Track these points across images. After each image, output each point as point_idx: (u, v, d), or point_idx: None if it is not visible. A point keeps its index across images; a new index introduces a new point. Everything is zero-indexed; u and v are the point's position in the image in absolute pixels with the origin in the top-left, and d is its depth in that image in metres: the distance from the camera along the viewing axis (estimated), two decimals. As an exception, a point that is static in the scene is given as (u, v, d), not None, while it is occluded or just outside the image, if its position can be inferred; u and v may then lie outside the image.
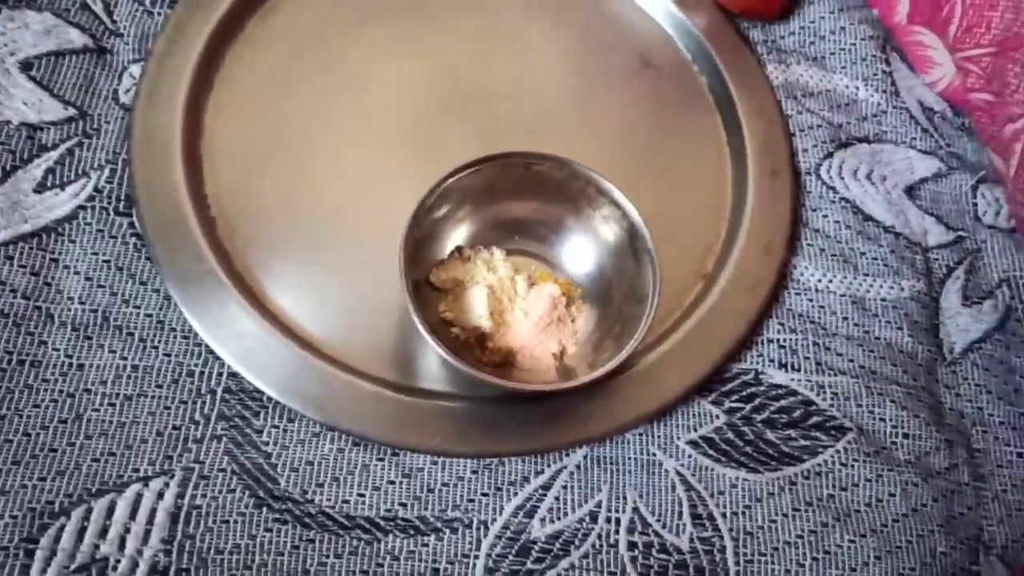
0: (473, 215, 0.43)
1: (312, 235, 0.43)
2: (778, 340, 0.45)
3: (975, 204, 0.51)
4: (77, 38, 0.45)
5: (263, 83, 0.46)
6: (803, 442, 0.43)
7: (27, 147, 0.42)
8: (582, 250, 0.43)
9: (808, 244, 0.48)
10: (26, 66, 0.44)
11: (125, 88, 0.45)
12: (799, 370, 0.44)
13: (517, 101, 0.49)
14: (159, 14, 0.47)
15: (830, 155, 0.50)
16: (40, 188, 0.42)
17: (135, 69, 0.45)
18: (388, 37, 0.49)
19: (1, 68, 0.43)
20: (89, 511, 0.36)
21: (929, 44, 0.53)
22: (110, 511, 0.37)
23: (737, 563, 0.40)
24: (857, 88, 0.53)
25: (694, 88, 0.51)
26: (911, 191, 0.50)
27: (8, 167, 0.42)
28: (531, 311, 0.42)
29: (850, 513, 0.41)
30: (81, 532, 0.36)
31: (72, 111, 0.44)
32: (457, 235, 0.43)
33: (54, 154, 0.42)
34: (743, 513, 0.41)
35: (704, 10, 0.52)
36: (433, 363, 0.42)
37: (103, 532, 0.36)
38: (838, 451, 0.43)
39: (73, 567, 0.35)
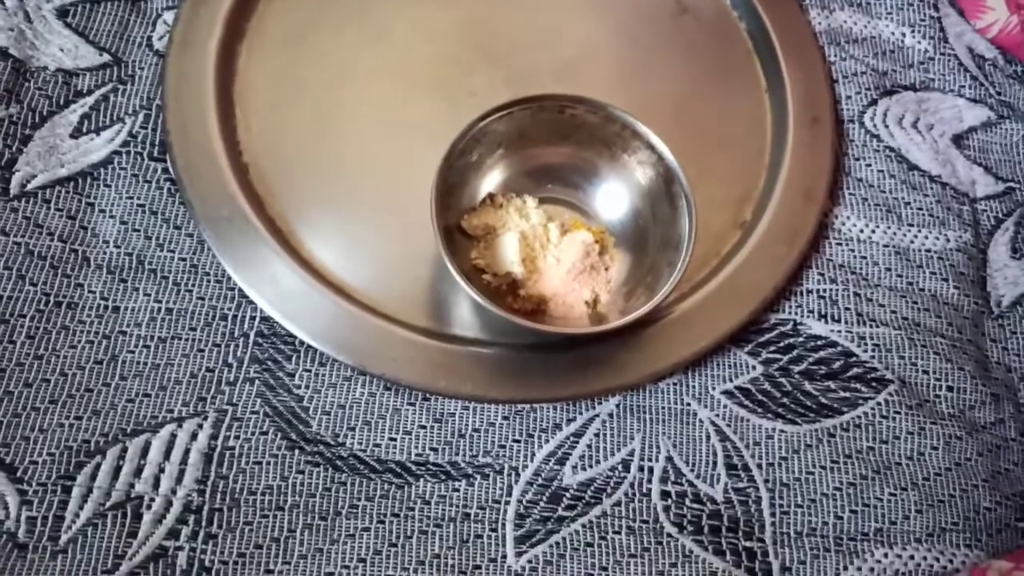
0: (505, 160, 0.43)
1: (343, 181, 0.43)
2: (817, 291, 0.44)
3: (1027, 155, 0.49)
4: (110, -15, 0.45)
5: (295, 30, 0.46)
6: (843, 394, 0.42)
7: (63, 93, 0.42)
8: (616, 196, 0.43)
9: (850, 193, 0.46)
10: (62, 13, 0.44)
11: (159, 35, 0.45)
12: (839, 321, 0.43)
13: (547, 48, 0.48)
14: (191, -39, 0.47)
15: (874, 102, 0.48)
16: (76, 133, 0.42)
17: (168, 16, 0.45)
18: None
19: (38, 15, 0.43)
20: (124, 451, 0.37)
21: (981, -14, 0.50)
22: (145, 451, 0.37)
23: (773, 514, 0.39)
24: (903, 34, 0.51)
25: (733, 33, 0.50)
26: (959, 140, 0.49)
27: (45, 112, 0.42)
28: (564, 258, 0.41)
29: (891, 466, 0.40)
30: (116, 471, 0.37)
31: (107, 57, 0.44)
32: (489, 181, 0.43)
33: (89, 100, 0.43)
34: (779, 464, 0.40)
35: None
36: (465, 309, 0.41)
37: (138, 471, 0.37)
38: (879, 403, 0.41)
39: (108, 504, 0.36)
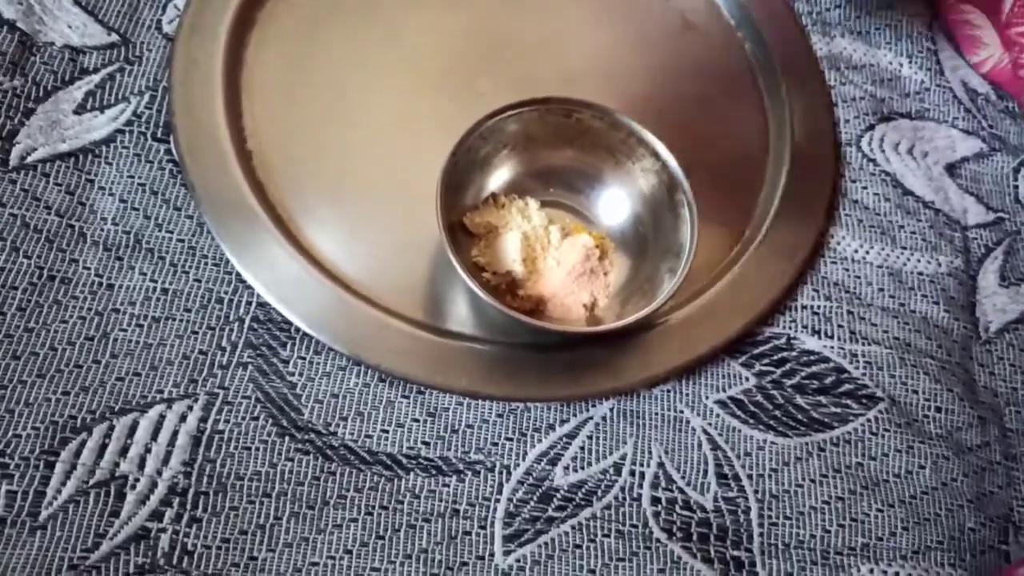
0: (510, 161, 0.43)
1: (347, 173, 0.43)
2: (812, 307, 0.44)
3: (1016, 187, 0.50)
4: (124, -34, 0.45)
5: (305, 21, 0.46)
6: (833, 409, 0.42)
7: (69, 69, 0.42)
8: (618, 203, 0.43)
9: (846, 214, 0.47)
10: (72, -10, 0.44)
11: (168, 19, 0.45)
12: (832, 337, 0.43)
13: (553, 55, 0.49)
14: (206, -52, 0.47)
15: (871, 128, 0.49)
16: (80, 110, 0.42)
17: (179, 1, 0.45)
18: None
19: (48, -10, 0.43)
20: (111, 429, 0.36)
21: (977, 24, 0.52)
22: (132, 430, 0.36)
23: (761, 525, 0.39)
24: (901, 64, 0.52)
25: (736, 53, 0.51)
26: (952, 169, 0.50)
27: (49, 87, 0.41)
28: (564, 260, 0.41)
29: (879, 482, 0.41)
30: (102, 449, 0.36)
31: (115, 37, 0.44)
32: (492, 181, 0.43)
33: (95, 77, 0.42)
34: (770, 476, 0.40)
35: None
36: (463, 305, 0.41)
37: (124, 451, 0.36)
38: (869, 420, 0.42)
39: (92, 482, 0.35)
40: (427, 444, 0.38)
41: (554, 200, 0.44)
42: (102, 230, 0.40)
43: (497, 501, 0.38)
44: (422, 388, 0.39)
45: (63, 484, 0.35)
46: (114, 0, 0.45)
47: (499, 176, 0.43)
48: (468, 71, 0.47)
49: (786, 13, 0.52)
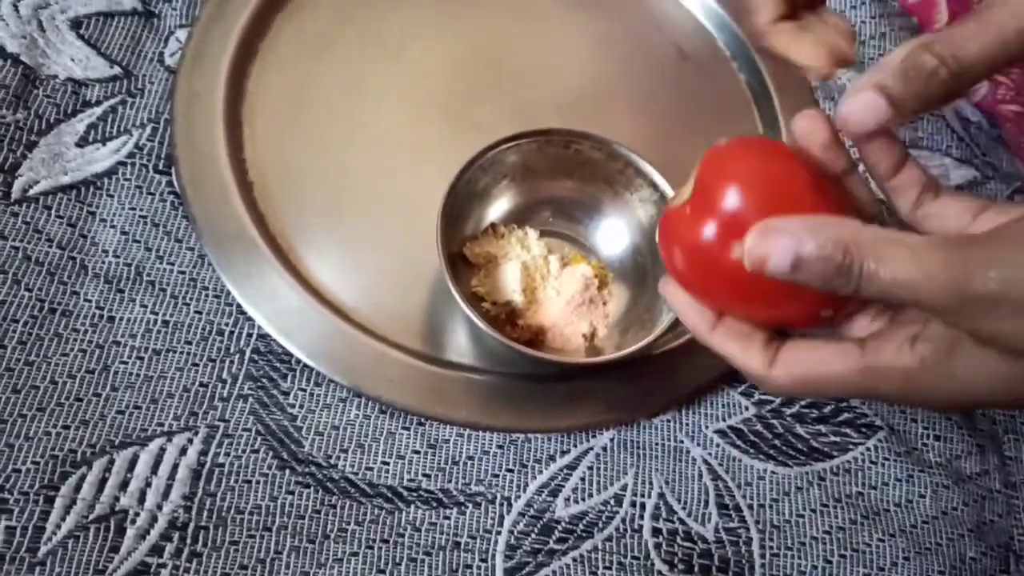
0: (509, 192, 0.43)
1: (347, 203, 0.43)
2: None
3: (1010, 214, 0.50)
4: (127, 0, 0.46)
5: (306, 52, 0.47)
6: (833, 438, 0.42)
7: (71, 102, 0.42)
8: (617, 233, 0.43)
9: (843, 242, 0.47)
10: (75, 24, 0.44)
11: (171, 51, 0.45)
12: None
13: (551, 84, 0.49)
14: (208, -18, 0.47)
15: (867, 156, 0.50)
16: (82, 142, 0.42)
17: (181, 34, 0.46)
18: (429, 13, 0.50)
19: (51, 24, 0.44)
20: (111, 463, 0.36)
21: (969, 54, 0.53)
22: (132, 464, 0.36)
23: (763, 556, 0.39)
24: (895, 94, 0.53)
25: (732, 83, 0.51)
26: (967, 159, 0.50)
27: (52, 120, 0.42)
28: (563, 290, 0.41)
29: (879, 512, 0.41)
30: (102, 483, 0.36)
31: (117, 70, 0.44)
32: (492, 211, 0.43)
33: (97, 110, 0.43)
34: (770, 506, 0.40)
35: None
36: (463, 336, 0.41)
37: (124, 485, 0.36)
38: (868, 449, 0.42)
39: (92, 517, 0.35)
40: (428, 476, 0.38)
41: (553, 230, 0.44)
42: (103, 262, 0.40)
43: (498, 533, 0.38)
44: (422, 419, 0.39)
45: (62, 519, 0.35)
46: (117, 33, 0.45)
47: (499, 206, 0.43)
48: (467, 101, 0.47)
49: (781, 44, 0.52)
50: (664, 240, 0.31)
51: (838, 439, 0.42)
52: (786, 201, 0.27)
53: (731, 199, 0.28)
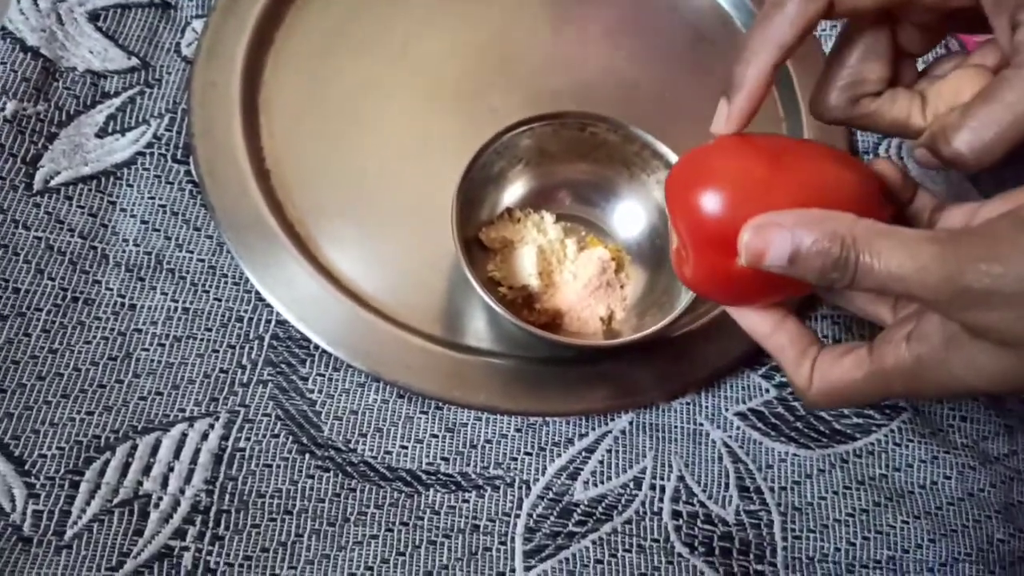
0: (525, 175, 0.43)
1: (363, 190, 0.43)
2: (832, 316, 0.44)
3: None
4: (143, -8, 0.46)
5: (321, 41, 0.47)
6: (856, 420, 0.41)
7: (91, 93, 0.43)
8: (634, 215, 0.43)
9: (864, 222, 0.46)
10: (93, 16, 0.45)
11: (187, 42, 0.46)
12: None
13: (566, 70, 0.49)
14: (223, -28, 0.48)
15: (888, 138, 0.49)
16: (101, 133, 0.42)
17: (198, 24, 0.46)
18: (443, 1, 0.49)
19: (69, 17, 0.44)
20: (134, 448, 0.37)
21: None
22: (155, 449, 0.37)
23: (785, 538, 0.39)
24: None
25: (751, 63, 0.50)
26: (974, 177, 0.49)
27: (72, 111, 0.42)
28: (580, 274, 0.41)
29: (903, 494, 0.40)
30: (125, 468, 0.36)
31: (135, 61, 0.44)
32: (508, 196, 0.43)
33: (116, 101, 0.43)
34: (792, 488, 0.40)
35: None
36: (480, 320, 0.41)
37: (147, 469, 0.36)
38: (892, 430, 0.41)
39: (116, 501, 0.35)
40: (446, 460, 0.38)
41: (570, 213, 0.44)
42: (124, 251, 0.40)
43: (517, 516, 0.38)
44: (440, 404, 0.39)
45: (87, 503, 0.35)
46: (134, 25, 0.45)
47: (514, 191, 0.43)
48: (482, 87, 0.47)
49: (799, 22, 0.51)
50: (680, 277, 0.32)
51: (861, 421, 0.41)
52: (759, 201, 0.27)
53: (703, 230, 0.28)
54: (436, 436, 0.39)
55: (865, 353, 0.28)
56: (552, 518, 0.38)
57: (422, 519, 0.37)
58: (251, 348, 0.39)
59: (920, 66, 0.33)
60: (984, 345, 0.23)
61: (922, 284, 0.23)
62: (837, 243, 0.24)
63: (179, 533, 0.35)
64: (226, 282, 0.40)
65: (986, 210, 0.29)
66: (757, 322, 0.31)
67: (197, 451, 0.37)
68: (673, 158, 0.40)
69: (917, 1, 0.28)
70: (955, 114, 0.28)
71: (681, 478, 0.39)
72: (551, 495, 0.38)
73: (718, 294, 0.32)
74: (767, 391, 0.42)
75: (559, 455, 0.39)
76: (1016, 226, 0.22)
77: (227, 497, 0.36)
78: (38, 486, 0.35)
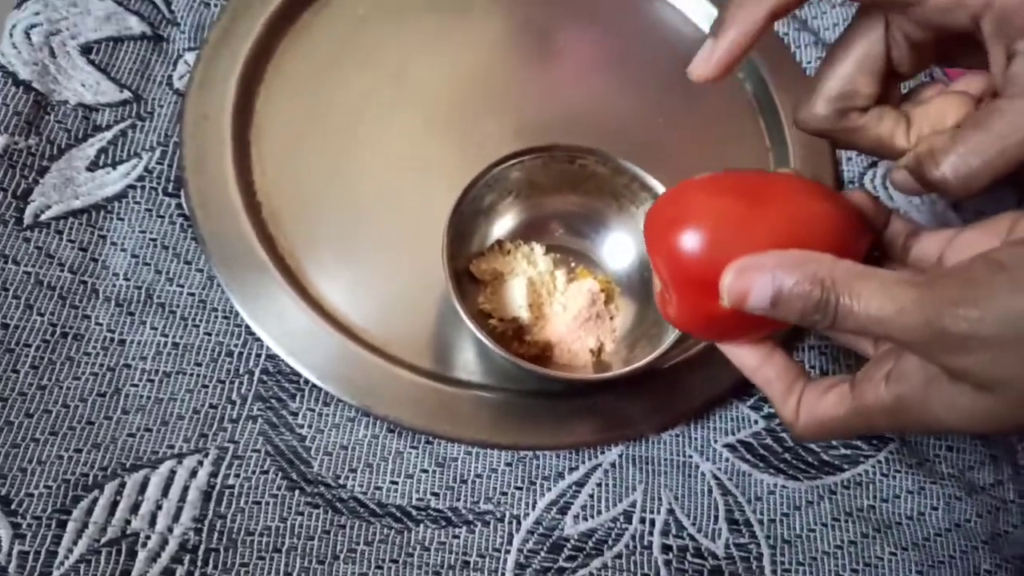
0: (515, 208, 0.43)
1: (354, 222, 0.44)
2: (819, 347, 0.44)
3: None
4: (136, 25, 0.46)
5: (313, 73, 0.47)
6: (843, 451, 0.42)
7: (82, 127, 0.43)
8: (623, 247, 0.43)
9: (851, 253, 0.47)
10: (86, 50, 0.45)
11: (179, 74, 0.46)
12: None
13: (556, 100, 0.49)
14: (215, 5, 0.48)
15: (874, 164, 0.50)
16: (93, 166, 0.42)
17: (190, 57, 0.46)
18: (432, 33, 0.50)
19: (62, 50, 0.44)
20: (122, 486, 0.36)
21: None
22: (143, 487, 0.37)
23: (774, 571, 0.39)
24: (902, 102, 0.53)
25: (738, 94, 0.51)
26: (956, 205, 0.50)
27: (63, 145, 0.42)
28: (570, 305, 0.41)
29: (891, 525, 0.40)
30: (113, 506, 0.36)
31: (127, 94, 0.45)
32: (498, 228, 0.43)
33: (108, 134, 0.43)
34: (781, 521, 0.40)
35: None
36: (471, 353, 0.42)
37: (135, 507, 0.36)
38: (879, 461, 0.42)
39: (104, 540, 0.35)
40: (436, 495, 0.38)
41: (560, 244, 0.44)
42: (114, 285, 0.40)
43: (507, 552, 0.38)
44: (431, 438, 0.39)
45: (75, 543, 0.35)
46: (126, 58, 0.46)
47: (504, 223, 0.43)
48: (472, 119, 0.48)
49: (786, 54, 0.52)
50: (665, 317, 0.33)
51: (848, 452, 0.42)
52: (739, 242, 0.27)
53: (684, 273, 0.29)
54: (426, 471, 0.39)
55: (847, 389, 0.28)
56: (542, 553, 0.38)
57: (412, 555, 0.37)
58: (241, 383, 0.39)
59: (903, 90, 0.34)
60: (963, 387, 0.23)
61: (901, 327, 0.23)
62: (817, 286, 0.24)
63: (167, 572, 0.35)
64: (216, 316, 0.40)
65: (961, 239, 0.29)
66: (745, 357, 0.31)
67: (186, 488, 0.37)
68: (661, 190, 0.41)
69: (922, 2, 0.27)
70: (944, 138, 0.28)
71: (671, 511, 0.40)
72: (541, 530, 0.38)
73: (704, 332, 0.32)
74: (756, 422, 0.42)
75: (549, 489, 0.39)
76: (992, 269, 0.23)
77: (216, 535, 0.36)
78: (24, 526, 0.35)
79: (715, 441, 0.41)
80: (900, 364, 0.26)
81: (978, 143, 0.27)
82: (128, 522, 0.36)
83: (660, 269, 0.30)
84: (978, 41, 0.28)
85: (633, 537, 0.39)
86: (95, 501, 0.36)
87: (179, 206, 0.42)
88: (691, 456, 0.41)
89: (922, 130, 0.30)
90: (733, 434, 0.42)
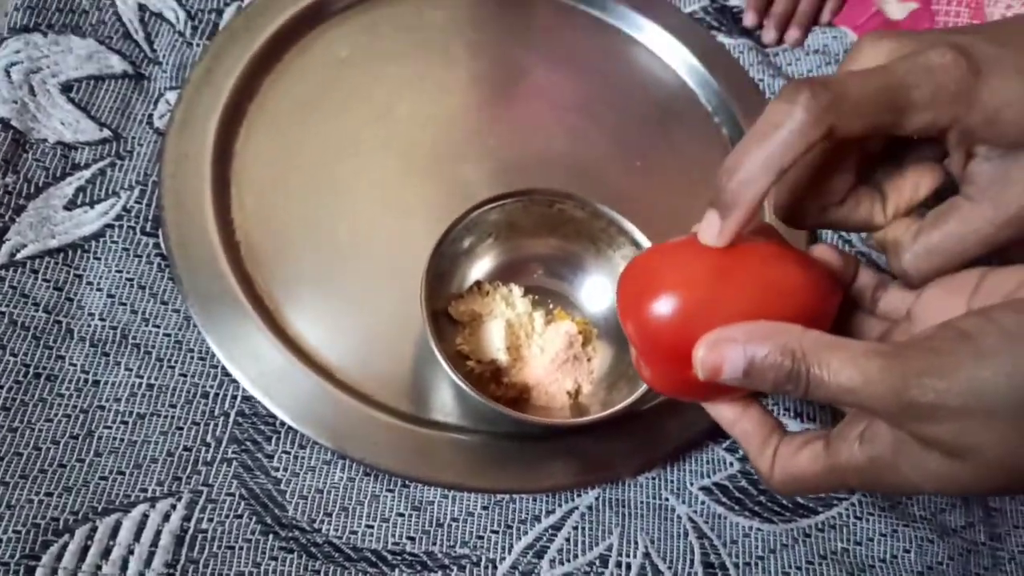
0: (494, 250, 0.44)
1: (333, 263, 0.44)
2: (793, 389, 0.45)
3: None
4: (117, 64, 0.46)
5: (293, 113, 0.47)
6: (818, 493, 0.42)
7: (60, 165, 0.43)
8: (601, 290, 0.44)
9: (824, 295, 0.48)
10: (66, 88, 0.45)
11: (160, 113, 0.46)
12: (814, 420, 0.44)
13: (535, 142, 0.50)
14: (198, 45, 0.48)
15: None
16: (70, 205, 0.42)
17: (171, 96, 0.46)
18: (414, 74, 0.51)
19: (42, 88, 0.44)
20: (94, 530, 0.36)
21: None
22: (115, 531, 0.36)
23: (749, 615, 0.39)
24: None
25: (714, 138, 0.52)
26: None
27: (40, 183, 0.42)
28: (548, 347, 0.42)
29: (864, 568, 0.41)
30: (84, 551, 0.35)
31: (107, 133, 0.45)
32: (477, 269, 0.44)
33: (86, 173, 0.43)
34: (756, 564, 0.40)
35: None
36: (447, 395, 0.42)
37: (106, 552, 0.36)
38: (852, 504, 0.42)
39: (73, 587, 0.35)
40: (412, 539, 0.38)
41: (539, 285, 0.44)
42: (89, 326, 0.40)
43: (483, 596, 0.38)
44: (407, 481, 0.39)
45: (44, 589, 0.34)
46: (107, 96, 0.46)
47: (483, 264, 0.44)
48: (453, 161, 0.48)
49: (760, 99, 0.53)
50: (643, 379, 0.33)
51: (823, 494, 0.42)
52: (709, 313, 0.28)
53: (657, 344, 0.29)
54: (402, 515, 0.39)
55: (822, 447, 0.28)
56: (518, 598, 0.38)
57: (387, 601, 0.37)
58: (216, 425, 0.39)
59: None
60: (934, 453, 0.24)
61: (871, 397, 0.24)
62: (788, 356, 0.25)
63: (137, 620, 0.34)
64: (192, 357, 0.40)
65: (928, 295, 0.30)
66: (723, 411, 0.32)
67: (158, 533, 0.36)
68: (639, 235, 0.41)
69: (899, 126, 0.29)
70: (909, 233, 0.29)
71: (647, 555, 0.40)
72: (517, 574, 0.38)
73: (681, 395, 0.32)
74: (731, 464, 0.43)
75: (525, 533, 0.39)
76: (958, 339, 0.23)
77: (188, 581, 0.36)
78: (-8, 573, 0.34)
79: (691, 484, 0.42)
80: (873, 426, 0.27)
81: (939, 243, 0.29)
82: (99, 567, 0.35)
83: (633, 338, 0.30)
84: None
85: (609, 581, 0.39)
86: (65, 546, 0.35)
87: (157, 245, 0.42)
88: (667, 499, 0.41)
89: (898, 206, 0.31)
90: (709, 476, 0.42)
